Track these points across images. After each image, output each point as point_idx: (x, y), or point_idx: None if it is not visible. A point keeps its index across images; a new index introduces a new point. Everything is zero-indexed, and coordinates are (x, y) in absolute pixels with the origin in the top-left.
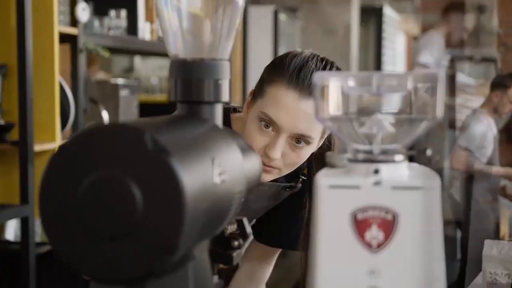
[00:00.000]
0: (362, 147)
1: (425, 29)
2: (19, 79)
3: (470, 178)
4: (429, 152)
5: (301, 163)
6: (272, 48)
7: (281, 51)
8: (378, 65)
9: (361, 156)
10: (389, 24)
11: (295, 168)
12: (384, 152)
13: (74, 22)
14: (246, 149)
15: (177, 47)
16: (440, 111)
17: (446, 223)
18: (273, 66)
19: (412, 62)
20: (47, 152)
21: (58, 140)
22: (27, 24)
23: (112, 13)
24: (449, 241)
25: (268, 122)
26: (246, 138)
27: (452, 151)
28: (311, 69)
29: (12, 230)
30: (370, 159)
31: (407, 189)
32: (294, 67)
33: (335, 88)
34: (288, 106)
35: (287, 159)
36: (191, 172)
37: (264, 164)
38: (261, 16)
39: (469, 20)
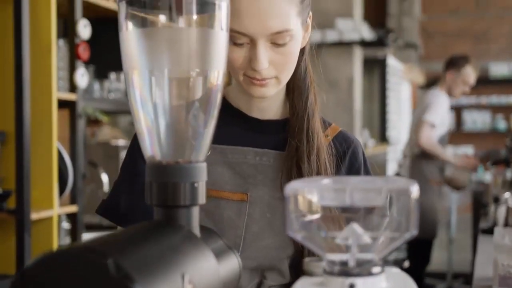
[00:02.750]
0: (338, 257)
1: (429, 77)
2: (16, 147)
3: (421, 155)
4: (406, 263)
5: (295, 60)
6: None
7: None
8: (382, 115)
9: (336, 268)
10: (393, 74)
11: (292, 70)
12: (360, 263)
13: (73, 87)
14: (224, 250)
15: (153, 149)
16: (415, 225)
17: None
18: None
19: (416, 117)
20: (44, 220)
21: (55, 207)
22: (25, 91)
23: (112, 75)
24: None
25: (237, 38)
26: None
27: (417, 126)
28: None
29: None
30: (345, 272)
31: None
32: None
33: (307, 199)
34: (248, 10)
35: (277, 63)
36: None
37: (257, 79)
38: None
39: (469, 73)
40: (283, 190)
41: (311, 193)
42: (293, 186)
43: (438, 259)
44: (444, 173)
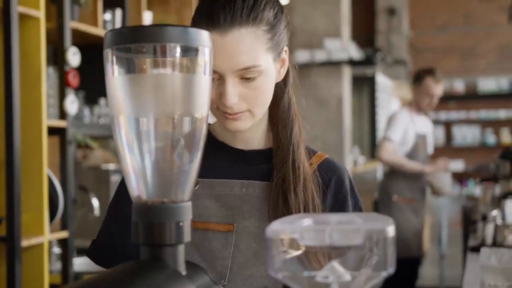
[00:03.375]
0: None
1: None
2: (7, 174)
3: (389, 174)
4: None
5: (267, 94)
6: None
7: None
8: (372, 132)
9: None
10: (382, 91)
11: (266, 104)
12: None
13: (63, 114)
14: (209, 286)
15: (139, 190)
16: (392, 264)
17: None
18: (192, 20)
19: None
20: (35, 247)
21: (46, 233)
22: (16, 118)
23: (102, 101)
24: None
25: None
26: None
27: (380, 143)
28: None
29: None
30: None
31: None
32: (206, 7)
33: (288, 240)
34: (216, 48)
35: (247, 98)
36: None
37: (229, 113)
38: None
39: (429, 85)
40: (269, 221)
41: (292, 234)
42: (274, 228)
43: (429, 275)
44: (419, 188)
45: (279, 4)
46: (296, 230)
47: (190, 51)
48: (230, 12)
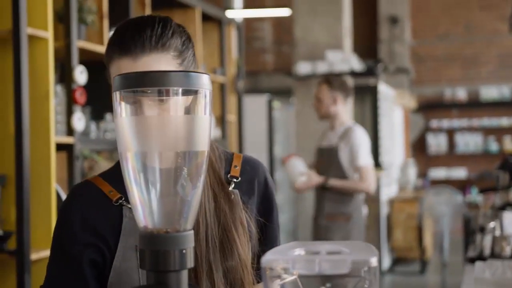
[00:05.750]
0: None
1: (421, 101)
2: (16, 189)
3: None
4: None
5: None
6: (267, 136)
7: (277, 137)
8: (375, 141)
9: None
10: (385, 100)
11: None
12: None
13: (70, 130)
14: None
15: (145, 220)
16: None
17: None
18: (105, 52)
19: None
20: (44, 260)
21: None
22: (25, 135)
23: (109, 116)
24: None
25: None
26: None
27: None
28: (133, 25)
29: None
30: None
31: None
32: (118, 37)
33: (281, 269)
34: (128, 71)
35: None
36: None
37: None
38: (256, 105)
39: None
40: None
41: (284, 263)
42: (268, 257)
43: (432, 282)
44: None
45: (186, 33)
46: (288, 260)
47: (191, 93)
48: (140, 40)
